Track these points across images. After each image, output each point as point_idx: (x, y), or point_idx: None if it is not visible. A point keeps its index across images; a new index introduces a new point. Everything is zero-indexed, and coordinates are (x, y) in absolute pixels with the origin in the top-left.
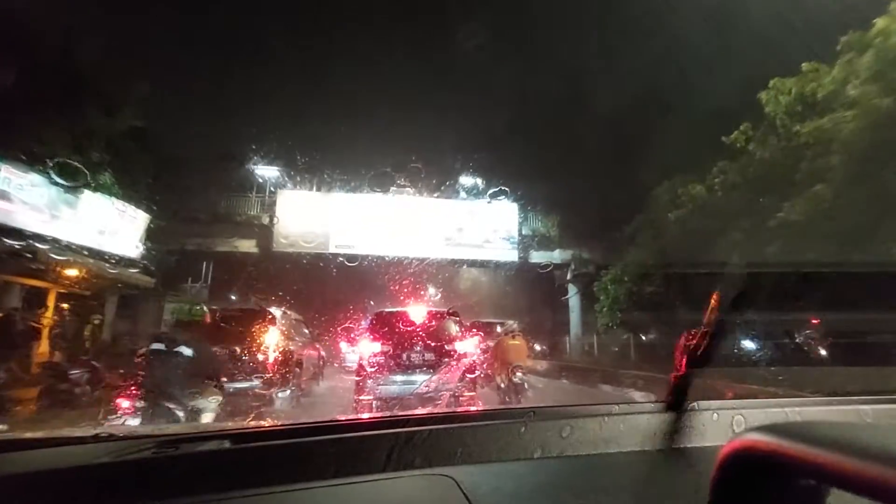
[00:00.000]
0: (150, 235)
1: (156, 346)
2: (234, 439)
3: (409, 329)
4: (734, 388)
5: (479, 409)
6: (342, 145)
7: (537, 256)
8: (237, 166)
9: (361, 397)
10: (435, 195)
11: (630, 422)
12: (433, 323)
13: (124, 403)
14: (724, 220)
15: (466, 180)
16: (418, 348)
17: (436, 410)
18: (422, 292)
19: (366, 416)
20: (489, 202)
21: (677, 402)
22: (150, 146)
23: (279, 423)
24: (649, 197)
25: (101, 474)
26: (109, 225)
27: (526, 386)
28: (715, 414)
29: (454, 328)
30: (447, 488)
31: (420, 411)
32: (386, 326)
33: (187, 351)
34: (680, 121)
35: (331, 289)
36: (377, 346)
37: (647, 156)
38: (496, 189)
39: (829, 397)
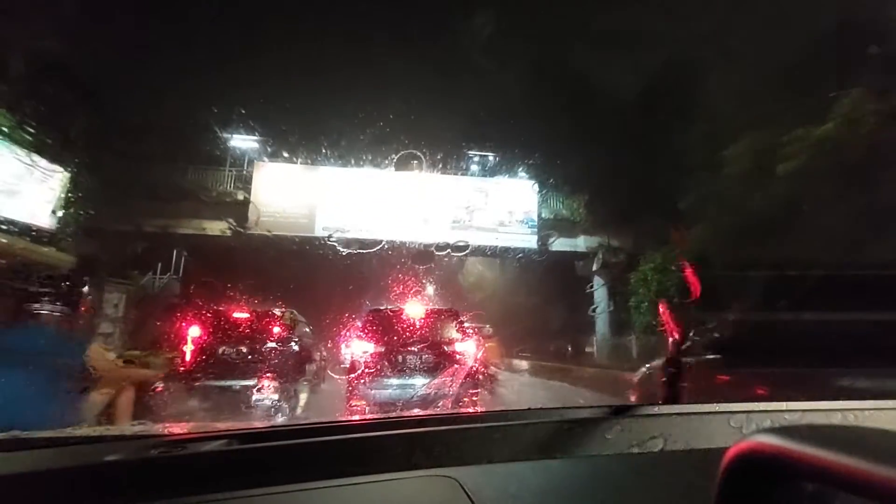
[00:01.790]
0: (86, 207)
1: (270, 344)
2: (237, 439)
3: (405, 329)
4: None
5: (483, 409)
6: (332, 111)
7: (559, 244)
8: (207, 134)
9: (353, 403)
10: (440, 170)
11: (635, 423)
12: (432, 322)
13: (266, 383)
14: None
15: (478, 154)
16: (415, 349)
17: (439, 411)
18: (422, 285)
19: (369, 416)
20: (504, 178)
21: (682, 403)
22: (95, 99)
23: (282, 424)
24: (713, 164)
25: (105, 474)
26: (5, 180)
27: (498, 377)
28: (721, 416)
29: (454, 329)
30: (450, 489)
31: (423, 412)
32: (380, 325)
33: (295, 347)
34: (739, 75)
35: (317, 280)
36: (370, 347)
37: (696, 123)
38: (512, 164)
39: (838, 400)
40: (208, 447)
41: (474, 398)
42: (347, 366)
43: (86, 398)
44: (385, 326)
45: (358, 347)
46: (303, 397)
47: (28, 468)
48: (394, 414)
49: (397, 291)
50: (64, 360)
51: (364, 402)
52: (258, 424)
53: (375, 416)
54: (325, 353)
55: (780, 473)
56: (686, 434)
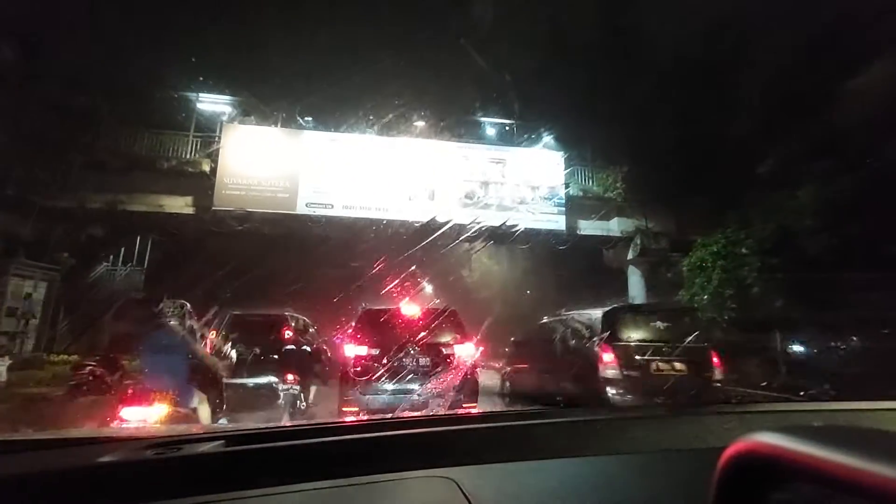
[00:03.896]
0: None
1: (289, 346)
2: (234, 440)
3: (401, 331)
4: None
5: (481, 411)
6: (318, 64)
7: (588, 227)
8: (166, 90)
9: (346, 408)
10: (449, 136)
11: (632, 424)
12: (429, 323)
13: (289, 377)
14: None
15: (494, 117)
16: (411, 352)
17: (437, 412)
18: (423, 276)
19: (366, 418)
20: (525, 147)
21: (682, 404)
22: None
23: (279, 425)
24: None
25: (103, 475)
26: None
27: None
28: (719, 416)
29: (452, 330)
30: (448, 490)
31: (421, 413)
32: (375, 327)
33: (307, 347)
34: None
35: (301, 268)
36: (364, 350)
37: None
38: (536, 129)
39: (838, 402)
40: (203, 448)
41: (472, 406)
42: (341, 369)
43: (194, 378)
44: (379, 328)
45: (351, 351)
46: (313, 389)
47: (27, 469)
48: (391, 415)
49: (394, 283)
50: (183, 352)
51: (358, 409)
52: (253, 426)
53: (373, 418)
54: (329, 354)
55: (777, 474)
56: (685, 434)
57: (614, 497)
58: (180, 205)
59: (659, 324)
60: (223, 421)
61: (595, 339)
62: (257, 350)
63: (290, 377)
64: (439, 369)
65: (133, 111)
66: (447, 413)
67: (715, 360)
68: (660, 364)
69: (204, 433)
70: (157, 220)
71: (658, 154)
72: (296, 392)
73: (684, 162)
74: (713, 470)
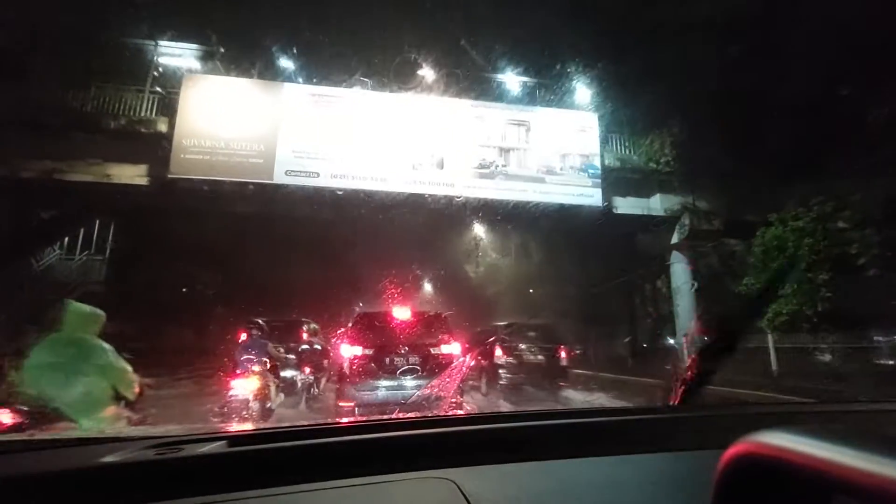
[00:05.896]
0: None
1: (304, 346)
2: (235, 441)
3: (395, 334)
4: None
5: (481, 411)
6: (301, 3)
7: (624, 205)
8: (115, 35)
9: (342, 403)
10: (460, 92)
11: (634, 424)
12: (419, 327)
13: (307, 369)
14: None
15: (516, 69)
16: (402, 352)
17: (436, 413)
18: (425, 262)
19: (366, 418)
20: (553, 108)
21: (683, 405)
22: None
23: (280, 426)
24: None
25: (104, 475)
26: None
27: None
28: (721, 417)
29: (443, 332)
30: (448, 491)
31: (420, 414)
32: (369, 328)
33: (318, 346)
34: None
35: (281, 252)
36: (358, 350)
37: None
38: (566, 86)
39: (838, 402)
40: (206, 449)
41: (460, 403)
42: (338, 368)
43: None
44: (373, 329)
45: (347, 351)
46: (322, 380)
47: (23, 470)
48: (391, 416)
49: (391, 273)
50: (262, 351)
51: (354, 404)
52: (255, 426)
53: (373, 418)
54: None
55: (778, 474)
56: (685, 434)
57: (614, 498)
58: (132, 174)
59: (530, 332)
60: (282, 396)
61: (494, 340)
62: (281, 349)
63: (306, 369)
64: (427, 368)
65: (74, 58)
66: (447, 414)
67: (563, 354)
68: (528, 356)
69: (205, 433)
70: (105, 192)
71: (711, 116)
72: (310, 381)
73: (745, 125)
74: (714, 470)
